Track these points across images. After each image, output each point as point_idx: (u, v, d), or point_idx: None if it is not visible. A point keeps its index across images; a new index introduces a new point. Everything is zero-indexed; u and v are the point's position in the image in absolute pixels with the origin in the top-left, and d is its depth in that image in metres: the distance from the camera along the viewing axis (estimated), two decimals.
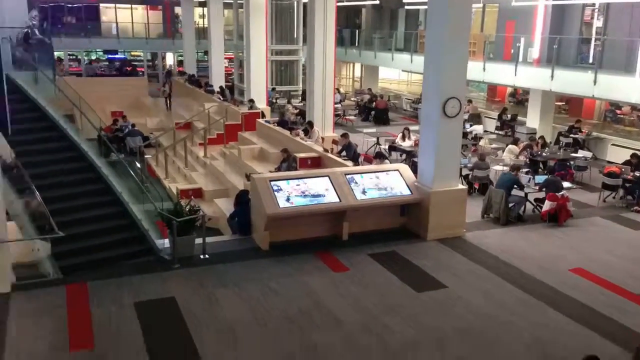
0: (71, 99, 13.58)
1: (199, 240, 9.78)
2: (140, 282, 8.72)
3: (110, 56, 37.23)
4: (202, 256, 9.67)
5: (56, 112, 12.14)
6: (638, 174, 12.92)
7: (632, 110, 21.60)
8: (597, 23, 19.43)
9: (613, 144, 17.67)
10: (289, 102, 23.06)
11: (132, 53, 37.55)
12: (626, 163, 14.19)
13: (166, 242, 9.82)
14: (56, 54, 29.31)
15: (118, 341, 7.19)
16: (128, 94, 25.64)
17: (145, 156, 17.41)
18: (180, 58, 34.95)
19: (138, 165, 14.15)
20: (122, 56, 37.16)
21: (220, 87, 23.32)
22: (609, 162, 16.74)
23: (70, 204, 10.06)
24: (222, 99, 21.09)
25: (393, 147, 16.86)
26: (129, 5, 34.86)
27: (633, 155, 14.10)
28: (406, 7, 29.12)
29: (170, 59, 37.93)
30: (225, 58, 28.29)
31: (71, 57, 34.63)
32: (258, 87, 20.87)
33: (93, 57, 36.72)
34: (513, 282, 9.06)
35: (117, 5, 34.51)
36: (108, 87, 25.65)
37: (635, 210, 12.53)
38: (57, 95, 13.24)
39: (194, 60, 29.97)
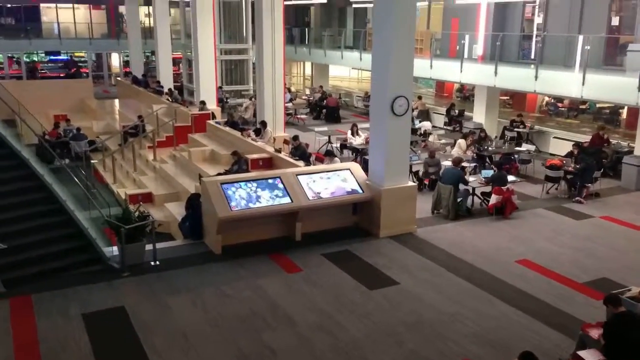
0: (10, 103, 13.05)
1: (149, 247, 9.60)
2: (87, 293, 8.50)
3: (52, 57, 36.02)
4: (152, 263, 9.51)
5: None
6: (578, 166, 13.45)
7: (572, 104, 22.47)
8: (538, 19, 20.09)
9: (555, 137, 18.33)
10: (250, 99, 22.76)
11: (76, 54, 36.45)
12: (568, 155, 14.75)
13: (115, 250, 9.60)
14: None
15: (66, 354, 6.98)
16: (72, 97, 24.84)
17: (92, 161, 16.95)
18: (126, 58, 34.12)
19: (83, 171, 13.74)
20: (65, 57, 36.02)
21: (169, 89, 22.91)
22: (551, 154, 17.34)
23: (11, 214, 9.63)
24: (170, 100, 20.73)
25: (344, 145, 16.98)
26: (70, 5, 33.77)
27: (575, 145, 14.61)
28: (354, 5, 29.33)
29: (115, 60, 36.99)
30: (174, 58, 27.78)
31: (12, 58, 33.35)
32: (207, 87, 20.58)
33: (35, 59, 35.46)
34: (462, 275, 9.29)
35: (59, 4, 33.38)
36: (51, 90, 24.76)
37: (576, 201, 13.04)
38: None
39: (140, 61, 29.30)
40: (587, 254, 10.21)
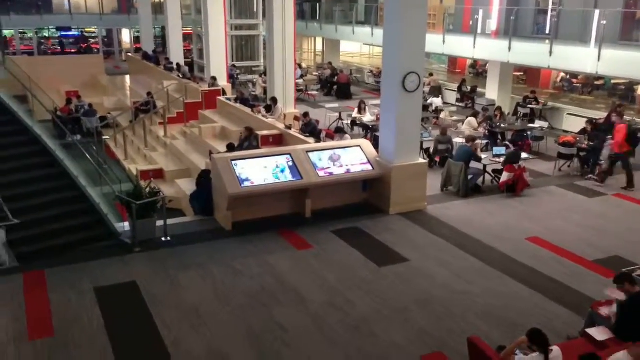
0: (21, 79, 13.09)
1: (160, 223, 9.66)
2: (99, 268, 8.60)
3: (63, 33, 35.99)
4: (163, 238, 9.57)
5: (5, 94, 11.68)
6: (592, 144, 13.26)
7: (587, 80, 22.10)
8: None
9: (569, 113, 18.07)
10: (260, 76, 22.65)
11: (87, 29, 36.39)
12: (581, 131, 14.53)
13: (126, 225, 9.68)
14: (5, 32, 28.18)
15: (78, 327, 7.09)
16: (84, 73, 24.86)
17: (103, 137, 17.01)
18: (137, 34, 33.99)
19: (95, 147, 13.81)
20: (76, 33, 35.98)
21: (177, 64, 22.82)
22: (565, 131, 17.12)
23: (24, 189, 9.75)
24: (180, 76, 20.65)
25: (355, 122, 16.87)
26: None
27: (588, 122, 14.39)
28: None
29: (126, 36, 36.88)
30: (184, 33, 27.63)
31: (22, 35, 33.38)
32: (218, 63, 20.50)
33: (46, 35, 35.46)
34: (472, 252, 9.27)
35: None
36: (62, 66, 24.75)
37: (589, 179, 12.90)
38: (7, 75, 12.76)
39: (151, 36, 29.16)
40: (599, 232, 10.13)
